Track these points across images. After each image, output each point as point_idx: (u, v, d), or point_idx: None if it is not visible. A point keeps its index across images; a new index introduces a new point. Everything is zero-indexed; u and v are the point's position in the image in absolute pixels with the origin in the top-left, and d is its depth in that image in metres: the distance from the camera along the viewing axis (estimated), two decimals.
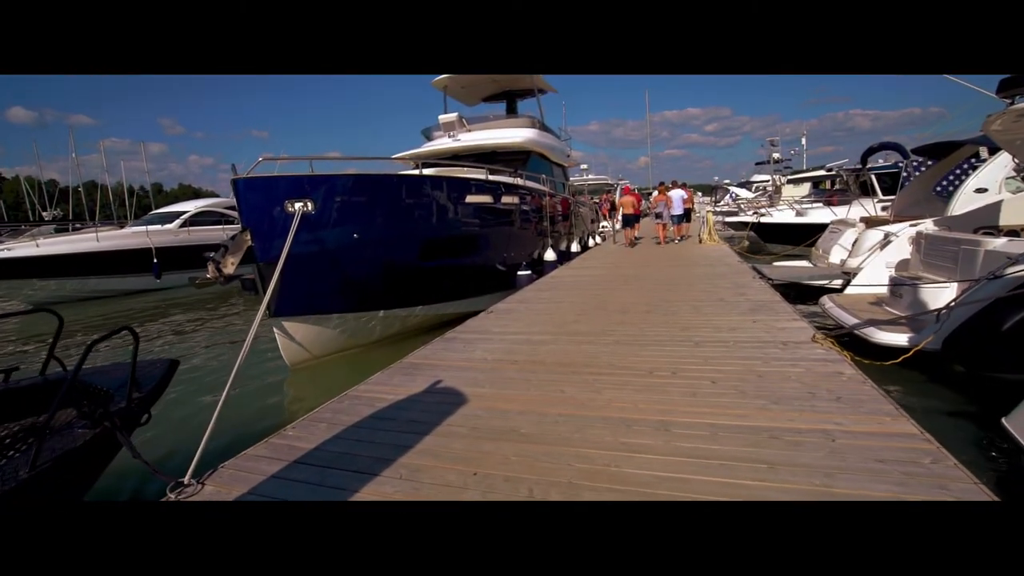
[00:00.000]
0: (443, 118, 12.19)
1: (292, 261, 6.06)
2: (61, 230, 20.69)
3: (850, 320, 5.50)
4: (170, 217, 17.51)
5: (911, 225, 7.32)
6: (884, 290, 6.67)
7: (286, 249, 5.46)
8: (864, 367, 3.61)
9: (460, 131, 12.13)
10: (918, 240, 6.18)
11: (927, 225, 6.61)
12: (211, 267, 5.50)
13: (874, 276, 6.78)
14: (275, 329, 6.27)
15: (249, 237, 5.86)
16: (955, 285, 4.87)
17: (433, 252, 7.38)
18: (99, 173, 40.57)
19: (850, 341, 5.20)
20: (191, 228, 17.03)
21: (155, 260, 15.59)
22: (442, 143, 11.93)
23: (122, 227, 18.31)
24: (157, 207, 23.69)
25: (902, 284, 5.57)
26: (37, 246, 14.45)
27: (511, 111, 14.96)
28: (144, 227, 16.57)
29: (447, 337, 5.16)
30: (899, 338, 4.81)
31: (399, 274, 7.10)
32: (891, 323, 5.16)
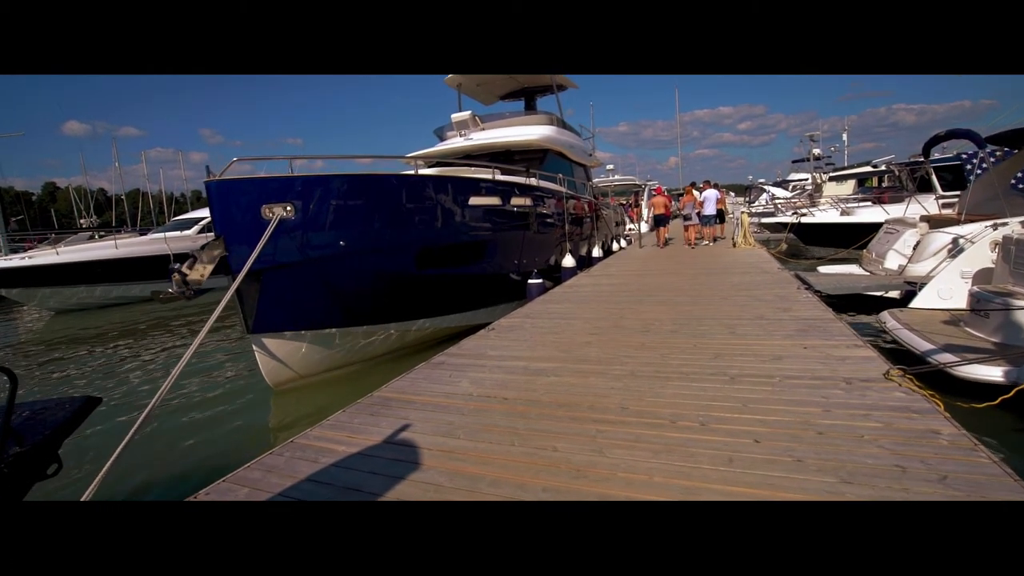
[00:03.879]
0: (455, 117, 11.51)
1: (272, 272, 5.52)
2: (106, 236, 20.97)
3: (923, 345, 4.51)
4: (189, 223, 17.47)
5: (990, 226, 6.21)
6: (955, 303, 5.63)
7: (252, 258, 4.90)
8: (955, 413, 2.70)
9: (473, 130, 11.43)
10: (1006, 246, 5.11)
11: (1015, 227, 5.52)
12: (176, 279, 4.94)
13: (946, 288, 5.71)
14: (254, 347, 5.67)
15: (223, 246, 5.29)
16: None
17: (433, 260, 6.68)
18: (144, 182, 41.94)
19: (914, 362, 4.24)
20: (209, 234, 16.91)
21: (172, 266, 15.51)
22: (454, 143, 11.25)
23: (143, 234, 18.39)
24: None
25: (990, 301, 4.54)
26: (57, 254, 14.51)
27: (530, 109, 14.18)
28: (163, 233, 16.54)
29: (434, 362, 4.43)
30: (993, 372, 3.81)
31: (395, 285, 6.42)
32: (979, 351, 4.16)
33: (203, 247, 5.19)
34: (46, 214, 61.20)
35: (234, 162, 5.36)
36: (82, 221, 33.88)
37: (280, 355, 5.81)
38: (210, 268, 5.16)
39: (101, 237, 18.48)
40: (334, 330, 6.07)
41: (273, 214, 5.33)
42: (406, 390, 3.77)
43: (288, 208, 5.42)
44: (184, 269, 4.96)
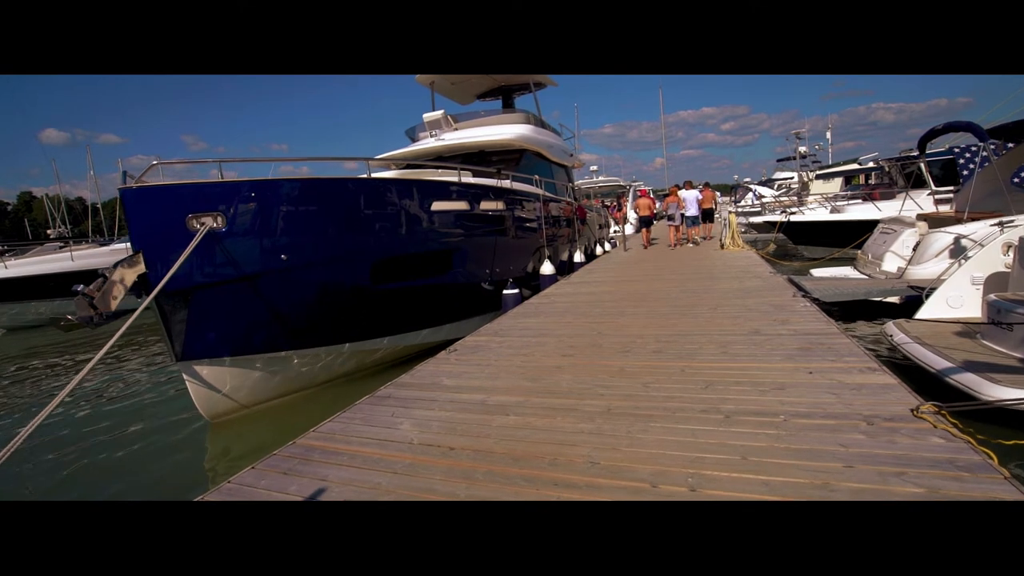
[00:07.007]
0: (427, 116, 10.88)
1: (202, 291, 4.85)
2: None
3: (939, 362, 3.96)
4: None
5: (996, 225, 5.72)
6: (965, 312, 5.12)
7: (168, 275, 4.23)
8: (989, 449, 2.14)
9: (446, 130, 10.80)
10: (1023, 248, 4.60)
11: None
12: (82, 304, 4.22)
13: (956, 295, 5.20)
14: (185, 376, 4.98)
15: (141, 262, 4.61)
16: None
17: (392, 272, 6.02)
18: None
19: (928, 382, 3.70)
20: None
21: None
22: (425, 143, 10.61)
23: (101, 245, 17.48)
24: None
25: (1011, 312, 4.00)
26: (6, 268, 13.62)
27: (508, 108, 13.57)
28: (124, 244, 15.66)
29: (378, 395, 3.79)
30: None
31: (348, 302, 5.76)
32: (1006, 370, 3.62)
33: (117, 264, 4.50)
34: (21, 224, 59.14)
35: (154, 165, 4.68)
36: (49, 231, 32.54)
37: (216, 384, 5.12)
38: (124, 289, 4.47)
39: (59, 249, 17.47)
40: (278, 354, 5.40)
41: (201, 225, 4.67)
42: (335, 435, 3.12)
43: (219, 218, 4.76)
44: (91, 291, 4.26)
